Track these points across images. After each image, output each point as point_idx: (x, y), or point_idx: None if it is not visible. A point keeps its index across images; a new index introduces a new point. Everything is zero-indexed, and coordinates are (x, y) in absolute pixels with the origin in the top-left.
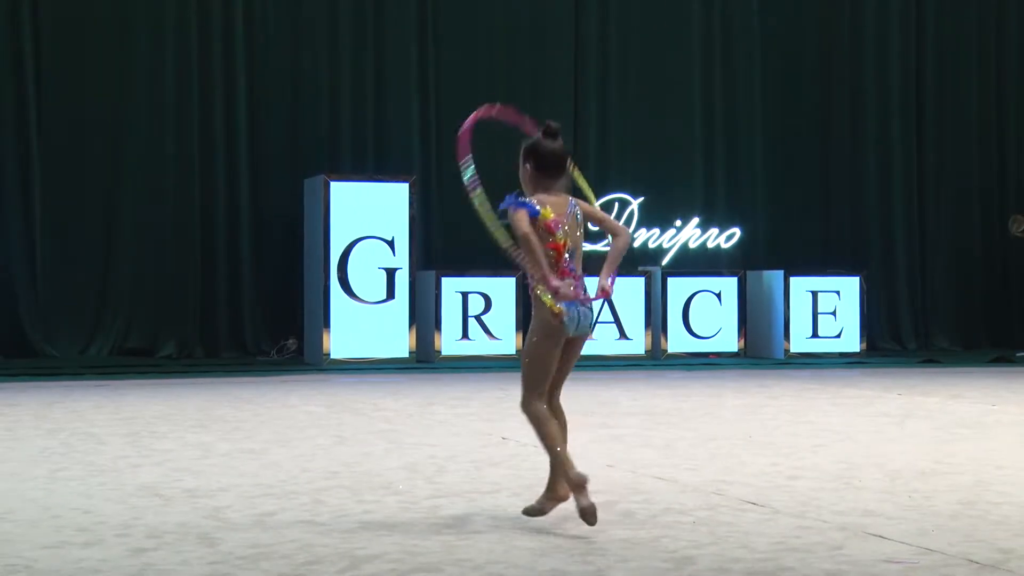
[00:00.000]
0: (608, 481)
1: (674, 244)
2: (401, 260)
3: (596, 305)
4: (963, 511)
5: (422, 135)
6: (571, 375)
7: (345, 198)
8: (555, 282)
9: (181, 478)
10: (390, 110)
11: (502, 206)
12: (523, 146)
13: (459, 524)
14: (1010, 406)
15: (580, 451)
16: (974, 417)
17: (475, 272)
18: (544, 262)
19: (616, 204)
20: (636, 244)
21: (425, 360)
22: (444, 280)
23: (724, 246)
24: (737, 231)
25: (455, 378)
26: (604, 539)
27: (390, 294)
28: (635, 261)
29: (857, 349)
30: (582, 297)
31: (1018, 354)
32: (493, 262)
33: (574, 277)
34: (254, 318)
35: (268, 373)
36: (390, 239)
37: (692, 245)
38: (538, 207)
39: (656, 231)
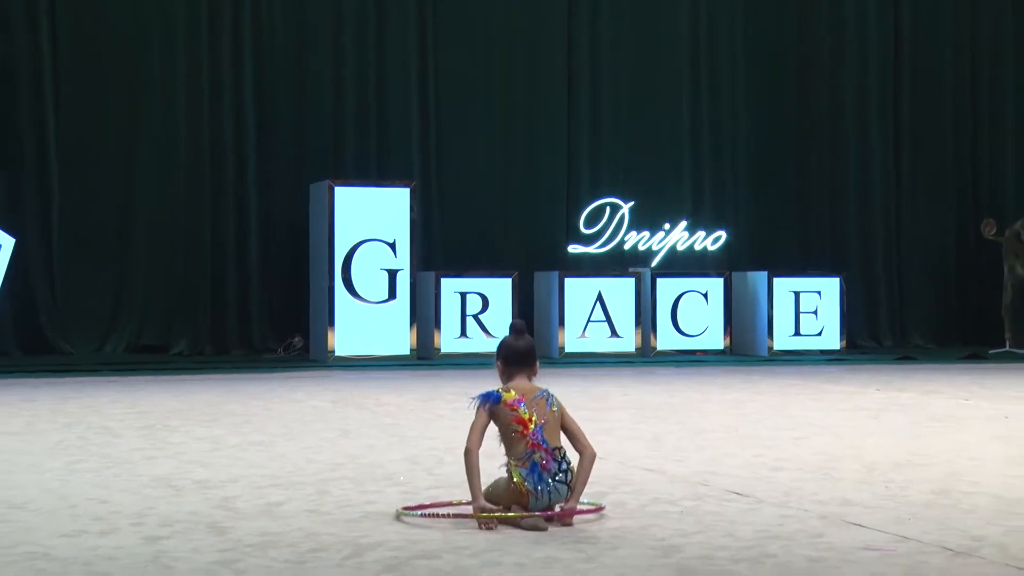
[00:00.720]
0: (599, 473)
1: (663, 246)
2: (402, 261)
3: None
4: (937, 500)
5: (422, 142)
6: (564, 370)
7: (349, 202)
8: (478, 504)
9: (192, 470)
10: (392, 119)
11: (471, 401)
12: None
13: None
14: (982, 401)
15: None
16: (948, 411)
17: (473, 273)
18: (477, 481)
19: (608, 208)
20: (627, 246)
21: (425, 357)
22: (443, 281)
23: (711, 248)
24: (723, 234)
25: (454, 374)
26: (595, 528)
27: (392, 294)
28: (626, 263)
29: (837, 347)
30: (551, 469)
31: (991, 352)
32: (490, 263)
33: (544, 450)
34: (262, 317)
35: (275, 370)
36: (392, 241)
37: (680, 247)
38: (501, 393)
39: (646, 234)
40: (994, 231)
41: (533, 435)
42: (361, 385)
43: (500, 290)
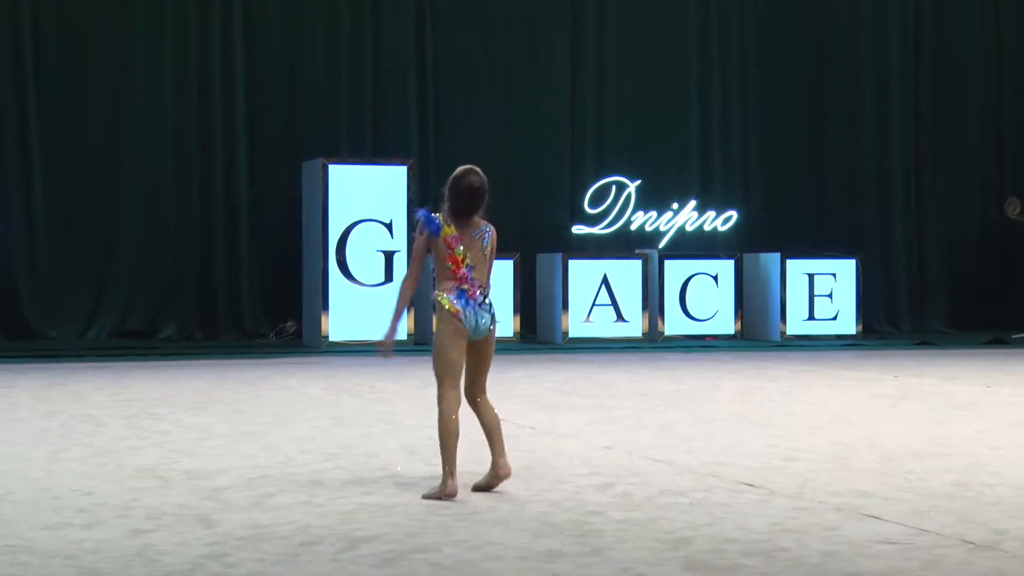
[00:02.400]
0: (605, 463)
1: (671, 227)
2: (399, 243)
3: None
4: (958, 492)
5: (420, 118)
6: (568, 356)
7: (343, 181)
8: (388, 334)
9: (180, 460)
10: (389, 93)
11: (416, 215)
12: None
13: (457, 505)
14: (1004, 388)
15: (577, 433)
16: (969, 398)
17: None
18: (400, 313)
19: (613, 187)
20: (633, 227)
21: (424, 343)
22: None
23: (721, 229)
24: (734, 214)
25: None
26: (601, 520)
27: (388, 277)
28: (633, 244)
29: (853, 331)
30: (478, 298)
31: (1014, 336)
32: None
33: (471, 284)
34: (253, 301)
35: (267, 355)
36: (388, 222)
37: (689, 228)
38: (441, 225)
39: (653, 214)
40: (1018, 210)
41: (463, 273)
42: (356, 372)
43: (501, 273)
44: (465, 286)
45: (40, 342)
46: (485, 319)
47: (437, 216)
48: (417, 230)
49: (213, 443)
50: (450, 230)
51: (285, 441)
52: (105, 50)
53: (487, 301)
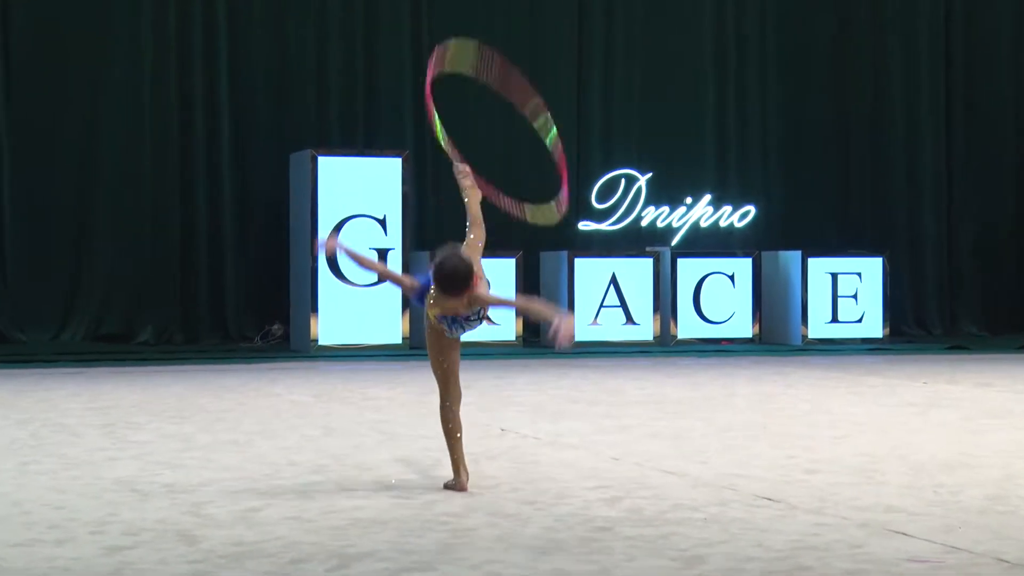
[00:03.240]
0: (614, 475)
1: (684, 223)
2: (394, 240)
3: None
4: (992, 507)
5: (416, 106)
6: (574, 361)
7: (334, 174)
8: (343, 248)
9: (160, 472)
10: (382, 79)
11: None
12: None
13: (455, 520)
14: None
15: (584, 443)
16: (1004, 406)
17: None
18: (369, 263)
19: (623, 180)
20: (644, 223)
21: (420, 347)
22: None
23: (737, 225)
24: (752, 209)
25: None
26: (610, 537)
27: (382, 276)
28: (643, 241)
29: (880, 334)
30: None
31: None
32: (493, 241)
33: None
34: (237, 302)
35: (252, 360)
36: (382, 217)
37: (703, 224)
38: (427, 307)
39: (665, 209)
40: None
41: (448, 316)
42: (347, 377)
43: (502, 272)
44: (451, 313)
45: (9, 346)
46: (472, 329)
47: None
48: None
49: (195, 454)
50: (436, 310)
51: (272, 451)
52: (80, 39)
53: (477, 316)
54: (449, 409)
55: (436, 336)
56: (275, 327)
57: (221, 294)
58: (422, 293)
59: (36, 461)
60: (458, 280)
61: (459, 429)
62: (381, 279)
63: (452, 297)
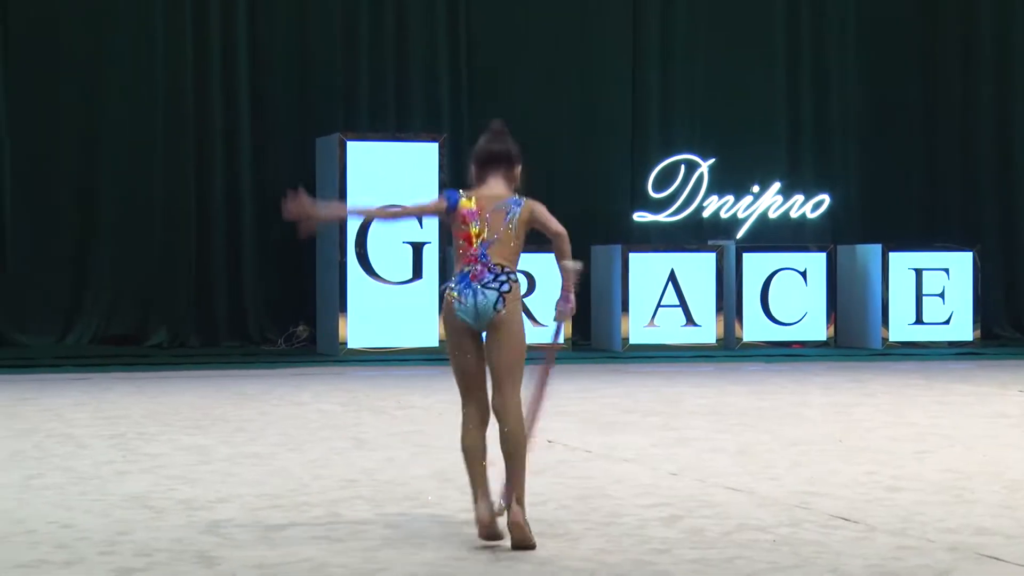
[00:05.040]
0: (672, 492)
1: (751, 213)
2: (430, 233)
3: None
4: None
5: (452, 87)
6: (629, 366)
7: (364, 160)
8: (328, 211)
9: (174, 487)
10: (415, 58)
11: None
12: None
13: (497, 542)
14: None
15: (640, 457)
16: None
17: None
18: (362, 212)
19: (682, 167)
20: (706, 214)
21: None
22: None
23: (810, 216)
24: (826, 198)
25: None
26: (668, 560)
27: (417, 273)
28: (705, 234)
29: (970, 337)
30: (484, 277)
31: None
32: (536, 236)
33: (481, 263)
34: (258, 301)
35: (275, 365)
36: None
37: (772, 215)
38: (460, 196)
39: (730, 199)
40: None
41: (474, 252)
42: (379, 384)
43: (549, 268)
44: (470, 267)
45: (10, 350)
46: (487, 298)
47: (462, 192)
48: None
49: (212, 467)
50: (468, 203)
51: (297, 466)
52: (82, 12)
53: (500, 278)
54: (463, 425)
55: (448, 336)
56: (300, 328)
57: (241, 292)
58: (445, 212)
59: (40, 475)
60: (507, 139)
61: (476, 451)
62: (405, 216)
63: (498, 174)
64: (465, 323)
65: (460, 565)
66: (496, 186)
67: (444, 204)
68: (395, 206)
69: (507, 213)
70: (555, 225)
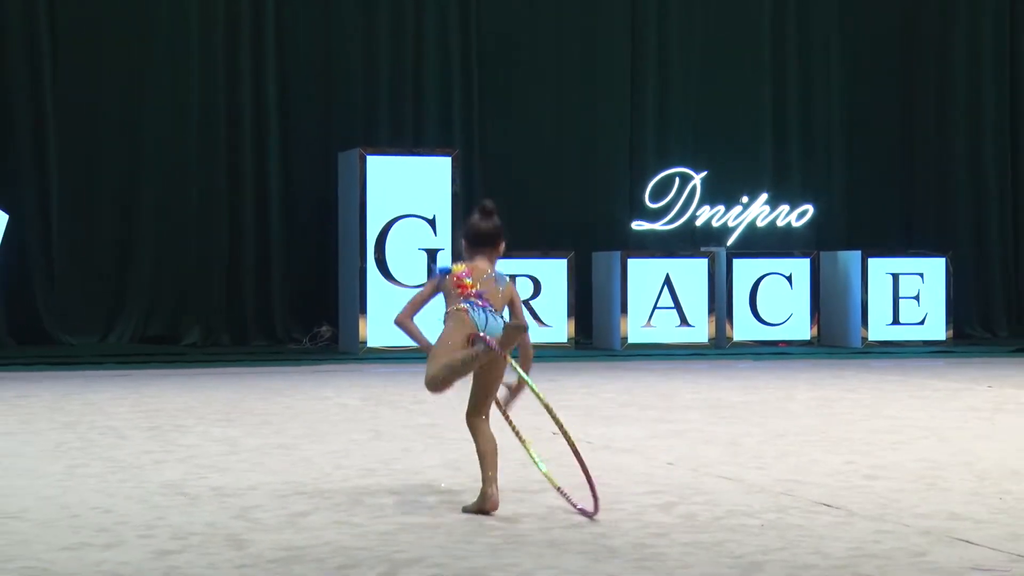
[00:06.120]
0: (668, 481)
1: (740, 222)
2: (443, 240)
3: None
4: None
5: (465, 105)
6: (627, 364)
7: (383, 173)
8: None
9: (207, 475)
10: (431, 77)
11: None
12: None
13: (506, 526)
14: None
15: (637, 448)
16: None
17: (523, 254)
18: (420, 332)
19: (677, 179)
20: (699, 222)
21: None
22: None
23: (795, 224)
24: (810, 208)
25: None
26: (664, 544)
27: (431, 276)
28: (698, 241)
29: (943, 337)
30: (489, 308)
31: None
32: (543, 242)
33: (482, 300)
34: (284, 303)
35: (300, 363)
36: (431, 217)
37: (760, 223)
38: (451, 267)
39: (721, 208)
40: None
41: (472, 292)
42: (397, 380)
43: (554, 273)
44: (472, 299)
45: (56, 348)
46: (497, 322)
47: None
48: (427, 281)
49: (242, 457)
50: (460, 267)
51: (319, 455)
52: (124, 29)
53: (498, 319)
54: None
55: (449, 329)
56: (323, 329)
57: (268, 295)
58: (440, 283)
59: (83, 464)
60: (495, 218)
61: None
62: (423, 306)
63: (485, 253)
64: (470, 323)
65: (470, 548)
66: (484, 263)
67: (437, 279)
68: (411, 309)
69: (496, 282)
70: (522, 315)
